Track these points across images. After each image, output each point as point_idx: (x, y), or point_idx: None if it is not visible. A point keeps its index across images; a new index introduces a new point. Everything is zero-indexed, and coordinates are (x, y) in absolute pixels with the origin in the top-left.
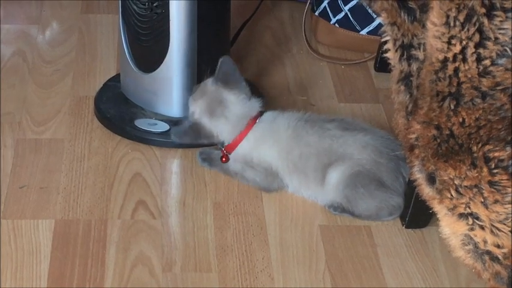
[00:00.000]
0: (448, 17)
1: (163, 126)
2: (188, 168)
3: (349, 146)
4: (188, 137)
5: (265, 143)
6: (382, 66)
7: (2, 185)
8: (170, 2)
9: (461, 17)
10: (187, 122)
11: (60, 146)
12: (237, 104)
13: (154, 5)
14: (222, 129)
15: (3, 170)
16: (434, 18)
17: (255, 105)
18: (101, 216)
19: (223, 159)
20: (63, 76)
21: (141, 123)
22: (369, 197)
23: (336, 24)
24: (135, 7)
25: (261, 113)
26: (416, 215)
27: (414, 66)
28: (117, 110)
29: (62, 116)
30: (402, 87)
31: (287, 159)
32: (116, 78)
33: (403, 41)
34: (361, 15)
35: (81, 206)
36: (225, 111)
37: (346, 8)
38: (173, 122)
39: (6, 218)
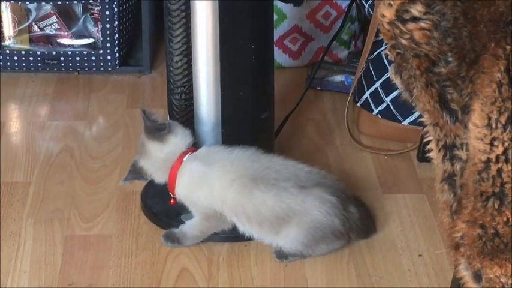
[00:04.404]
0: (489, 119)
1: None
2: (235, 262)
3: (307, 203)
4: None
5: (203, 188)
6: (425, 156)
7: (51, 283)
8: (194, 94)
9: (502, 119)
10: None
11: (108, 242)
12: (155, 147)
13: (183, 97)
14: (150, 171)
15: (54, 267)
16: (476, 120)
17: (178, 146)
18: None
19: (171, 201)
20: (110, 172)
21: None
22: (325, 246)
23: (378, 115)
24: (172, 98)
25: (193, 148)
26: None
27: (457, 166)
28: (164, 205)
29: (110, 212)
30: (446, 187)
31: (238, 210)
32: None
33: (445, 141)
34: (403, 106)
35: None
36: (147, 154)
37: (388, 99)
38: None
39: None
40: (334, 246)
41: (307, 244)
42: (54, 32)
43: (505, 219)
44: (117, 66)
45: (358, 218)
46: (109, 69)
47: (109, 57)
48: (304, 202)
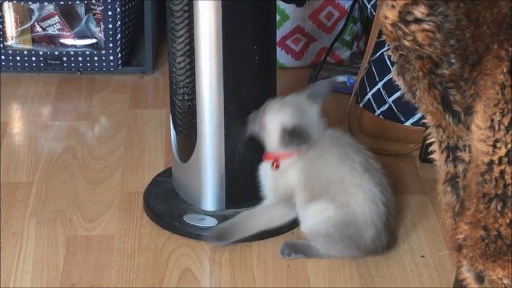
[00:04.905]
0: (492, 121)
1: (211, 221)
2: (237, 262)
3: (357, 190)
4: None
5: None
6: (427, 157)
7: (54, 283)
8: (197, 95)
9: (505, 121)
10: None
11: (110, 242)
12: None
13: (186, 98)
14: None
15: (56, 268)
16: (479, 121)
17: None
18: None
19: (275, 165)
20: (113, 172)
21: (190, 219)
22: (342, 248)
23: (381, 116)
24: (175, 99)
25: None
26: None
27: (460, 168)
28: (166, 206)
29: (112, 212)
30: (449, 188)
31: (307, 175)
32: (165, 174)
33: (448, 143)
34: (405, 107)
35: None
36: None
37: (390, 99)
38: (221, 217)
39: None
40: (347, 254)
41: (331, 235)
42: (56, 32)
43: (507, 221)
44: (120, 67)
45: (385, 245)
46: (111, 69)
47: (111, 58)
48: (358, 187)
